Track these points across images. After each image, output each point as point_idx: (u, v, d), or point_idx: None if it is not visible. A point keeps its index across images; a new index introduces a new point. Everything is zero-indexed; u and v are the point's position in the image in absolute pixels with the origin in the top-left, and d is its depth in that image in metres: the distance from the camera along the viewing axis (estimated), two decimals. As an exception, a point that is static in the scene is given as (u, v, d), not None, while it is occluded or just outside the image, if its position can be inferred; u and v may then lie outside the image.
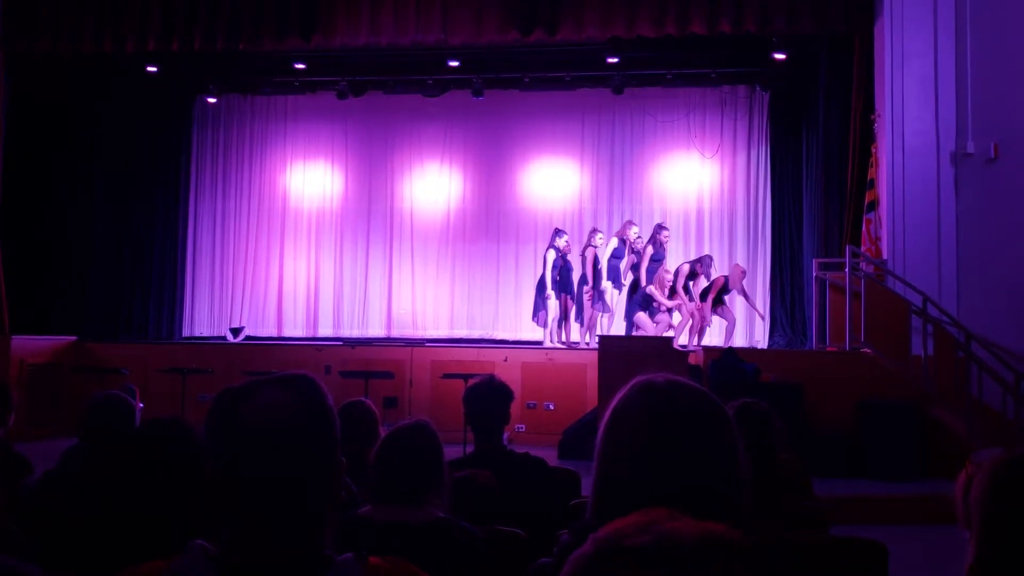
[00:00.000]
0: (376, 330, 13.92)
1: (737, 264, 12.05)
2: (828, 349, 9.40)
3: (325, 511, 1.27)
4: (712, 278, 11.47)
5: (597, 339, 9.80)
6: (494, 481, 2.98)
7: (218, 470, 1.25)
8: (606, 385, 8.19)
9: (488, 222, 13.98)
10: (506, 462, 3.53)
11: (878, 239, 9.60)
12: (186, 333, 14.05)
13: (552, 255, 11.57)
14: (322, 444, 1.28)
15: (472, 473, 2.97)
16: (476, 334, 13.21)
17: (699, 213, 13.63)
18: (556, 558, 1.50)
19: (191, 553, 1.22)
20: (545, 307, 11.55)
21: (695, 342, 11.20)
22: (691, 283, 11.46)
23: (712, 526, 0.80)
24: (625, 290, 11.64)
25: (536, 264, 13.38)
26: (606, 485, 1.40)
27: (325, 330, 14.02)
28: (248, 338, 13.00)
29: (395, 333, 13.74)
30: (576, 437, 8.97)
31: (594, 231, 11.70)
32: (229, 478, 1.24)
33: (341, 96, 13.37)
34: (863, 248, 9.55)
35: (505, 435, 3.68)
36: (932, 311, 8.52)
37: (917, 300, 8.55)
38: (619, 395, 1.45)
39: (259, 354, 11.18)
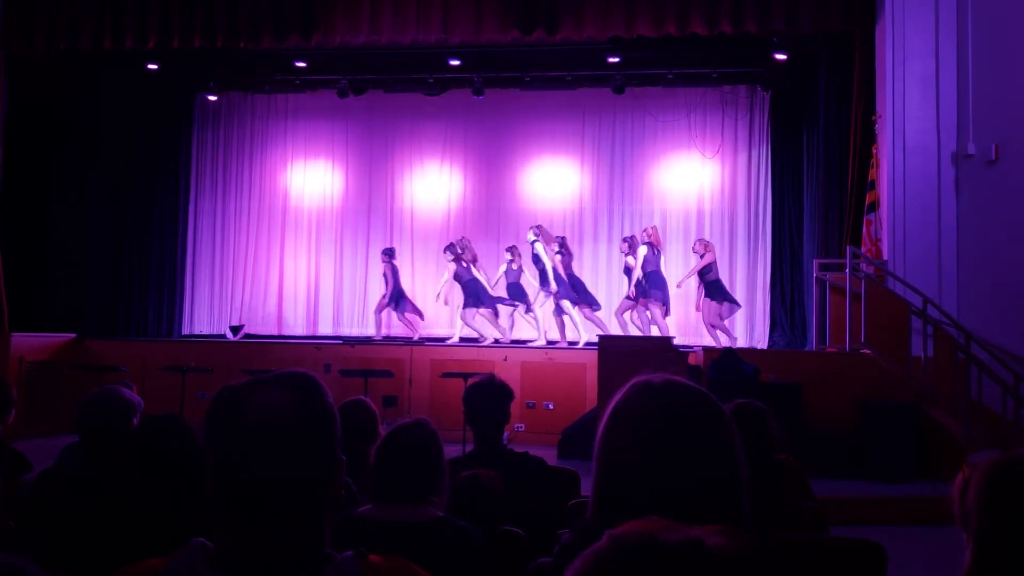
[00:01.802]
0: (375, 328, 13.90)
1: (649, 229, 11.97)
2: (828, 350, 9.40)
3: (325, 510, 1.27)
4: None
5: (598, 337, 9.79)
6: (499, 481, 2.98)
7: (217, 468, 1.25)
8: (605, 385, 8.19)
9: (488, 221, 13.97)
10: (506, 461, 3.52)
11: (878, 240, 9.60)
12: (185, 331, 14.05)
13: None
14: (322, 443, 1.28)
15: (477, 473, 2.96)
16: (475, 334, 13.19)
17: (699, 213, 13.63)
18: (556, 557, 1.50)
19: (190, 551, 1.22)
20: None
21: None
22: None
23: (741, 536, 0.80)
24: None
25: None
26: (606, 485, 1.40)
27: (325, 328, 14.02)
28: (247, 336, 13.00)
29: (394, 332, 13.72)
30: (575, 437, 8.97)
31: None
32: (228, 476, 1.24)
33: (341, 95, 13.36)
34: (863, 249, 9.55)
35: (505, 434, 3.68)
36: (932, 312, 8.52)
37: (917, 301, 8.55)
38: (618, 395, 1.45)
39: (259, 352, 11.19)
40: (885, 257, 9.38)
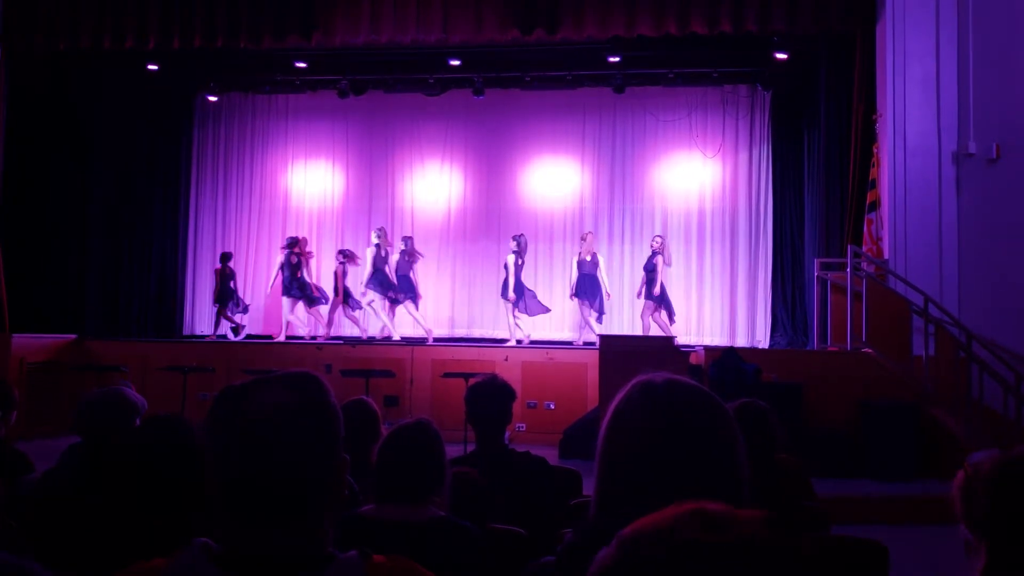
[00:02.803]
0: (377, 328, 13.91)
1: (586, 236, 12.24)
2: (829, 349, 9.39)
3: (328, 509, 1.27)
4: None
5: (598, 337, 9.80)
6: (484, 479, 2.99)
7: (220, 468, 1.25)
8: (607, 384, 8.19)
9: (489, 221, 13.98)
10: (507, 461, 3.53)
11: (879, 239, 9.59)
12: (186, 331, 14.04)
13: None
14: (326, 442, 1.28)
15: (460, 471, 2.96)
16: (476, 333, 13.21)
17: (700, 213, 13.63)
18: (560, 557, 1.50)
19: (192, 551, 1.22)
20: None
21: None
22: None
23: (754, 519, 0.78)
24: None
25: (536, 263, 13.41)
26: (609, 485, 1.41)
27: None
28: (248, 336, 13.00)
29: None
30: (577, 436, 8.97)
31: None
32: (232, 476, 1.24)
33: (342, 95, 13.37)
34: (864, 248, 9.54)
35: (506, 434, 3.68)
36: (933, 311, 8.51)
37: (918, 300, 8.55)
38: (620, 395, 1.45)
39: (260, 352, 11.19)
40: (886, 256, 9.37)
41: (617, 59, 12.44)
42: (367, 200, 14.32)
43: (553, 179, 13.96)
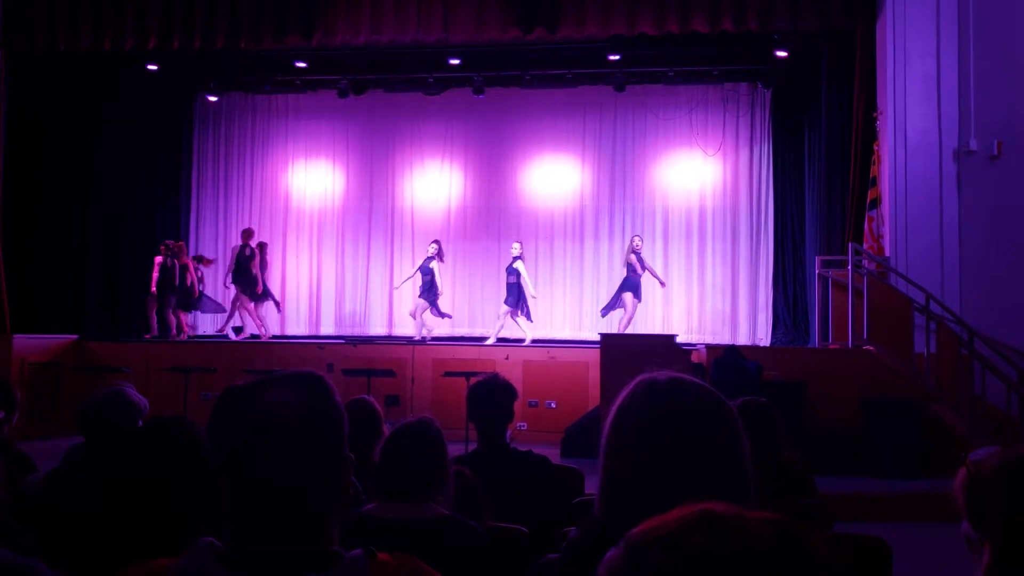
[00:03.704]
0: (378, 328, 13.92)
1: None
2: (831, 347, 9.39)
3: (333, 508, 1.27)
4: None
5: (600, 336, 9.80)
6: (477, 477, 2.99)
7: (225, 468, 1.25)
8: (608, 383, 8.19)
9: (489, 220, 13.98)
10: (509, 460, 3.53)
11: (880, 236, 9.59)
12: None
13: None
14: (331, 442, 1.28)
15: (453, 470, 2.97)
16: (477, 332, 13.20)
17: (701, 211, 13.62)
18: (564, 554, 1.50)
19: (198, 550, 1.22)
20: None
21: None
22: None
23: (764, 516, 0.77)
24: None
25: (538, 262, 13.40)
26: (613, 483, 1.41)
27: (327, 328, 14.03)
28: (250, 337, 13.00)
29: (397, 331, 13.73)
30: (578, 435, 8.97)
31: None
32: (237, 476, 1.24)
33: (342, 94, 13.37)
34: (865, 245, 9.54)
35: (508, 433, 3.68)
36: (935, 308, 8.51)
37: (920, 297, 8.54)
38: (622, 393, 1.45)
39: (261, 352, 11.19)
40: (887, 253, 9.37)
41: (618, 57, 12.44)
42: (368, 200, 14.32)
43: (553, 178, 13.95)
